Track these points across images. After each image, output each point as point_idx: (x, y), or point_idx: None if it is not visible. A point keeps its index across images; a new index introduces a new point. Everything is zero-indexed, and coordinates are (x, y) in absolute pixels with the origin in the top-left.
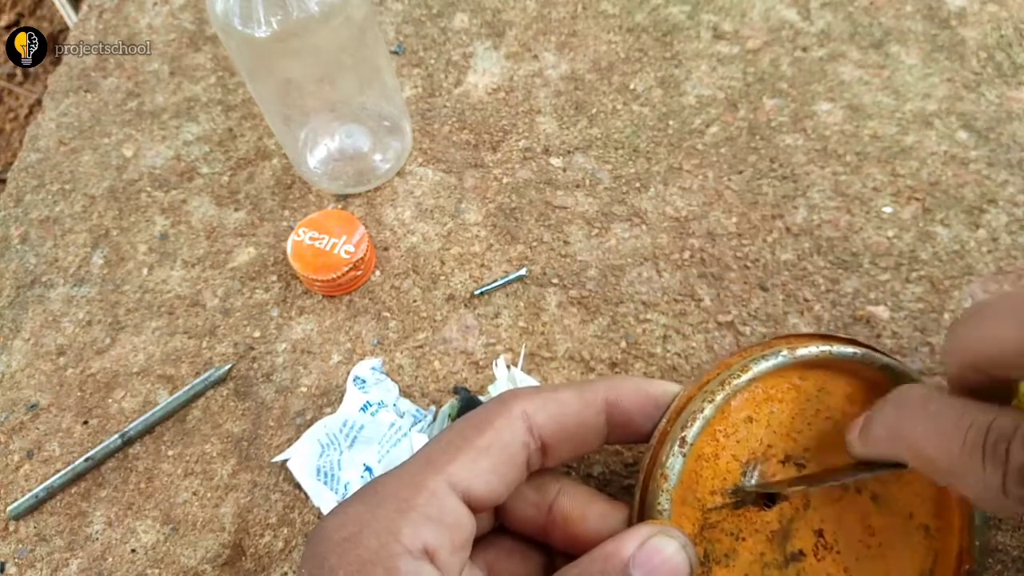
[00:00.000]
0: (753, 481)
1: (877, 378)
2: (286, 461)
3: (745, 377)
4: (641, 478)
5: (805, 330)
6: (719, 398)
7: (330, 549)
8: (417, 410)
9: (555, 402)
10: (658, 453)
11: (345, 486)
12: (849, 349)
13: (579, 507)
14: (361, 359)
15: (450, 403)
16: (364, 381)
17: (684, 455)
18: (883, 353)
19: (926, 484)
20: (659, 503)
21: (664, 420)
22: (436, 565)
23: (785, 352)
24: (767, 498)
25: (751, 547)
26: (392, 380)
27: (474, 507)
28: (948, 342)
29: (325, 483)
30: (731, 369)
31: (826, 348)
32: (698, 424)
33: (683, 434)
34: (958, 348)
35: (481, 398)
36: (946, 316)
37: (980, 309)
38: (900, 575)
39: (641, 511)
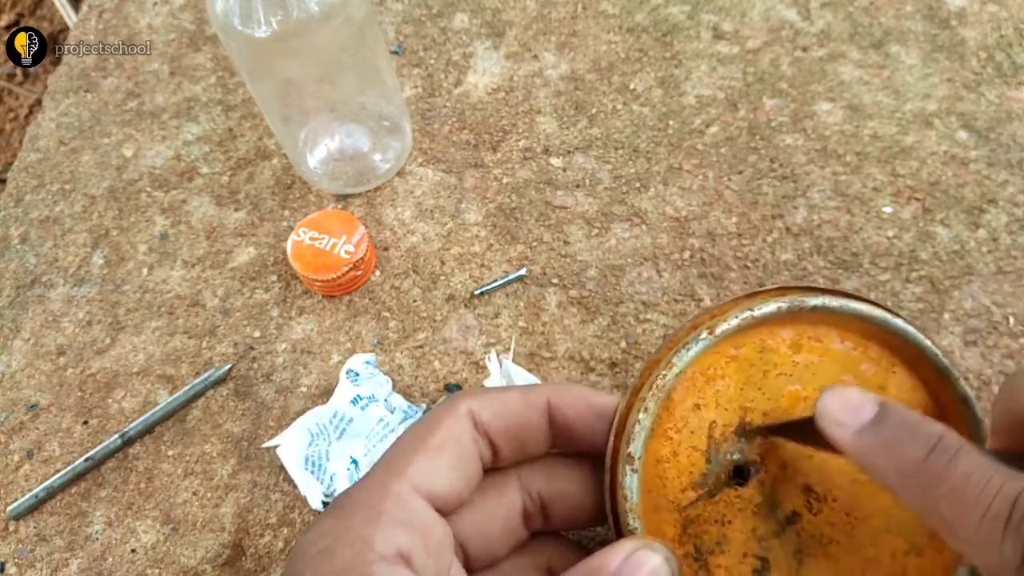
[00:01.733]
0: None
1: (813, 319)
2: (276, 447)
3: (671, 374)
4: (607, 498)
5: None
6: (651, 405)
7: (306, 564)
8: (408, 406)
9: (500, 401)
10: (615, 473)
11: (331, 477)
12: (771, 306)
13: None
14: None
15: (443, 400)
16: (357, 375)
17: (636, 471)
18: (817, 289)
19: None
20: (628, 524)
21: (612, 436)
22: (412, 568)
23: (705, 335)
24: (738, 476)
25: (740, 527)
26: (385, 375)
27: (440, 508)
28: (1003, 388)
29: (312, 472)
30: (658, 368)
31: (747, 314)
32: (639, 436)
33: (628, 450)
34: (1010, 398)
35: None
36: (946, 316)
37: None
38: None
39: (617, 530)
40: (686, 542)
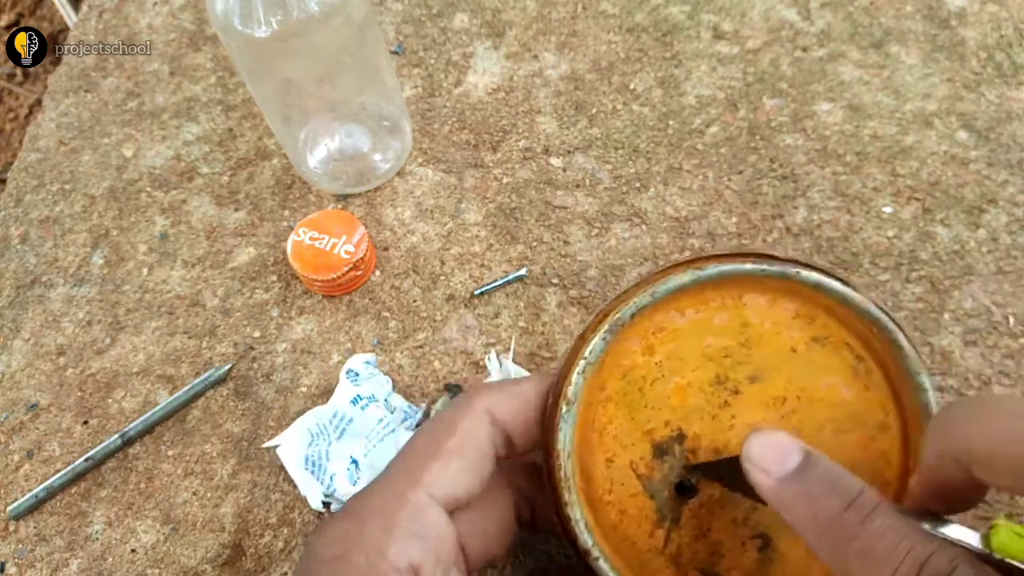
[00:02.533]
0: (664, 498)
1: (642, 320)
2: (276, 447)
3: (568, 463)
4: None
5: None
6: (572, 497)
7: (320, 567)
8: (408, 406)
9: (516, 397)
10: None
11: (331, 477)
12: (596, 342)
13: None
14: None
15: (442, 400)
16: (357, 374)
17: (606, 559)
18: (632, 289)
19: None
20: None
21: (563, 534)
22: None
23: (564, 408)
24: (685, 490)
25: (721, 526)
26: (385, 375)
27: (454, 508)
28: (936, 423)
29: (312, 472)
30: (556, 465)
31: (582, 363)
32: (585, 534)
33: (586, 548)
34: (946, 434)
35: None
36: (946, 316)
37: (981, 402)
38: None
39: None
40: (690, 571)
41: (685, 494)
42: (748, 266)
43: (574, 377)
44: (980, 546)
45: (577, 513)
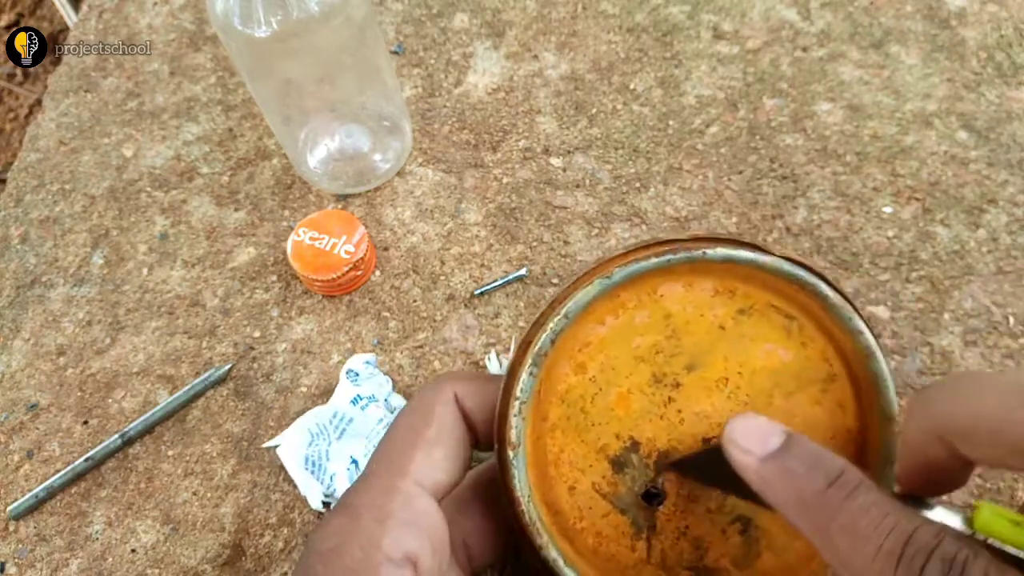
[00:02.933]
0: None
1: (566, 338)
2: (276, 447)
3: (530, 503)
4: None
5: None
6: (545, 540)
7: (317, 560)
8: None
9: (484, 392)
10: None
11: (331, 477)
12: (525, 379)
13: None
14: None
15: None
16: (357, 374)
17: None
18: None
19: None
20: None
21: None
22: (419, 572)
23: (510, 453)
24: (652, 498)
25: (699, 519)
26: (385, 375)
27: (441, 496)
28: (915, 404)
29: (312, 472)
30: (514, 502)
31: (517, 404)
32: (565, 570)
33: (543, 556)
34: (928, 412)
35: None
36: (946, 316)
37: (960, 378)
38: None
39: None
40: (680, 572)
41: (654, 501)
42: (653, 260)
43: (512, 420)
44: (963, 527)
45: (553, 553)
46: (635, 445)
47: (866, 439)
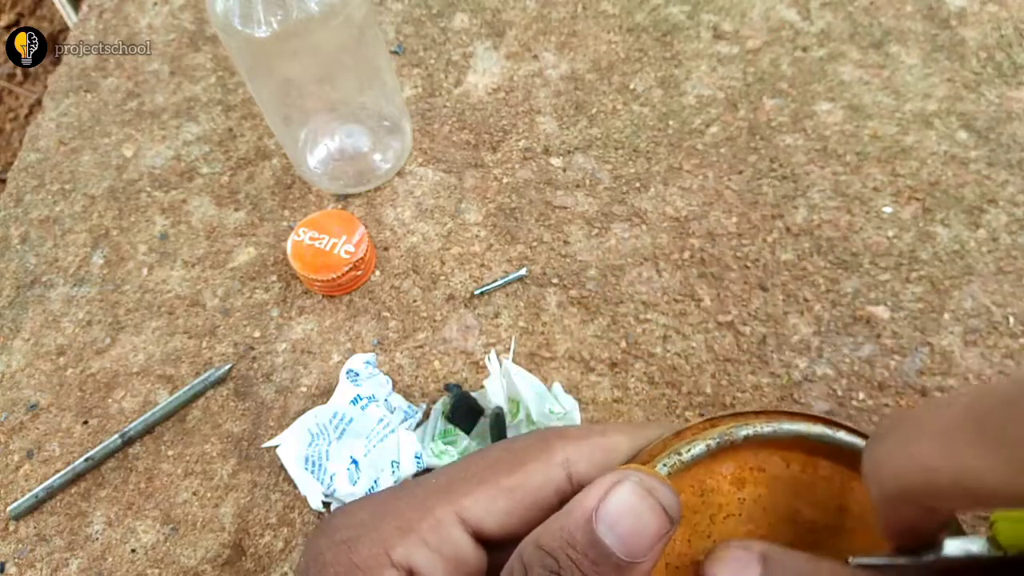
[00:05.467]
0: None
1: (751, 448)
2: (276, 447)
3: None
4: None
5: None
6: None
7: (328, 546)
8: (408, 406)
9: (602, 451)
10: None
11: (331, 477)
12: (700, 446)
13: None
14: None
15: (442, 400)
16: (357, 374)
17: None
18: (749, 413)
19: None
20: None
21: None
22: None
23: None
24: None
25: None
26: (385, 375)
27: (486, 540)
28: (866, 465)
29: (312, 472)
30: None
31: (675, 459)
32: None
33: None
34: (878, 475)
35: (474, 394)
36: (946, 316)
37: (899, 427)
38: None
39: None
40: None
41: None
42: (814, 430)
43: (659, 466)
44: (988, 549)
45: None
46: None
47: None
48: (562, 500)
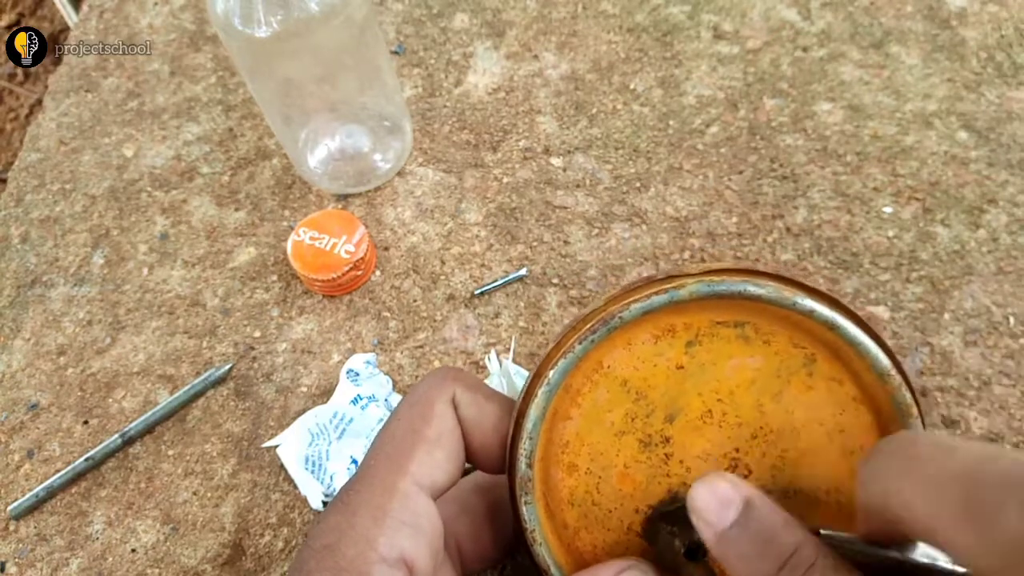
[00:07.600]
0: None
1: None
2: (276, 447)
3: (547, 549)
4: None
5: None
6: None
7: (310, 556)
8: None
9: (483, 410)
10: None
11: (331, 477)
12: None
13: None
14: None
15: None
16: (357, 374)
17: None
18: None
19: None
20: None
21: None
22: (413, 574)
23: (529, 500)
24: (692, 556)
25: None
26: (385, 375)
27: (437, 496)
28: (862, 472)
29: (312, 472)
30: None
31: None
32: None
33: None
34: (866, 486)
35: None
36: (946, 316)
37: (901, 454)
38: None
39: None
40: None
41: (698, 554)
42: (578, 348)
43: (538, 550)
44: (954, 567)
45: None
46: (656, 512)
47: (876, 400)
48: (466, 441)
